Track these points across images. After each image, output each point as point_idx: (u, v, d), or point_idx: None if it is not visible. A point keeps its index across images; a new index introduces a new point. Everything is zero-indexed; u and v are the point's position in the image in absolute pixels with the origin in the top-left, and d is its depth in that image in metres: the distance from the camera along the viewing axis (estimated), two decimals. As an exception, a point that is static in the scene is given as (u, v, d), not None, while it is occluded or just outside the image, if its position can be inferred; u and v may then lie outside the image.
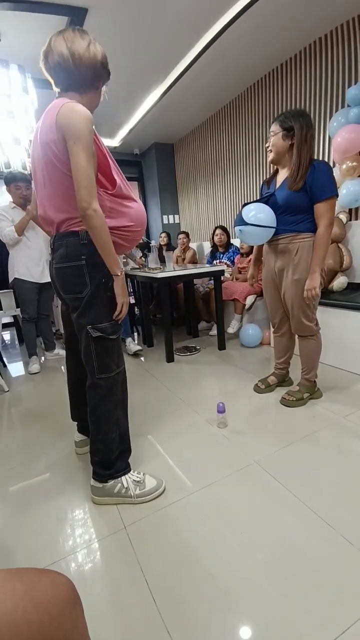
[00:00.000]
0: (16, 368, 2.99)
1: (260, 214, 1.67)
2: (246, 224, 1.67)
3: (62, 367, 2.80)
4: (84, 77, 1.11)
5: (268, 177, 1.83)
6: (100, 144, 1.11)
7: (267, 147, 1.67)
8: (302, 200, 1.59)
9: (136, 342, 3.11)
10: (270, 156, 1.67)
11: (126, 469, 1.27)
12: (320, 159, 2.94)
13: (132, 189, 1.24)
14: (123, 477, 1.24)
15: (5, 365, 3.02)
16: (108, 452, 1.23)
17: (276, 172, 1.76)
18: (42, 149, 1.08)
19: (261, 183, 1.88)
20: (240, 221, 1.69)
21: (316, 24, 2.57)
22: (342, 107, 2.63)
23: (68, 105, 1.02)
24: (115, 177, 1.15)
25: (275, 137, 1.62)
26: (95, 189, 1.05)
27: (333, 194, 1.55)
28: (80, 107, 1.03)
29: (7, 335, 4.17)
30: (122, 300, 1.18)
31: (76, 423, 1.54)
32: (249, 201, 1.78)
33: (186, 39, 2.65)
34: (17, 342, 3.83)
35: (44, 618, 0.40)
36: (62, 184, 1.08)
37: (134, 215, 1.20)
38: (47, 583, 0.44)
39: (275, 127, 1.62)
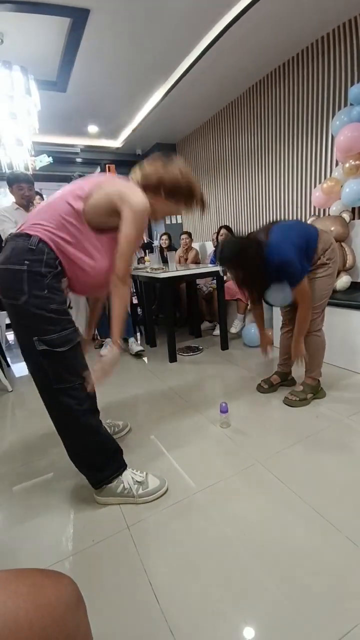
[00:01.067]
0: (19, 368, 2.99)
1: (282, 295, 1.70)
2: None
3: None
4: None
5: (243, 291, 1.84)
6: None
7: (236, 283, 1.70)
8: (285, 285, 1.60)
9: (139, 342, 3.11)
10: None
11: (121, 468, 1.25)
12: (311, 175, 2.96)
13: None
14: (125, 477, 1.24)
15: (8, 365, 3.03)
16: (92, 457, 1.20)
17: None
18: (79, 183, 1.13)
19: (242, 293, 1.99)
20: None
21: (319, 23, 2.56)
22: (345, 105, 2.62)
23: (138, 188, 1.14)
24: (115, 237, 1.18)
25: (240, 276, 1.63)
26: (127, 263, 1.12)
27: (302, 278, 1.58)
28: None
29: (10, 336, 4.18)
30: (102, 373, 1.14)
31: None
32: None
33: (188, 39, 2.65)
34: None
35: (47, 620, 0.40)
36: (62, 200, 1.11)
37: (101, 267, 1.16)
38: (50, 584, 0.44)
39: (233, 273, 1.64)
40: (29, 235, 1.07)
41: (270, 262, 1.56)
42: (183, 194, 1.23)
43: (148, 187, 1.18)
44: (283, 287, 1.65)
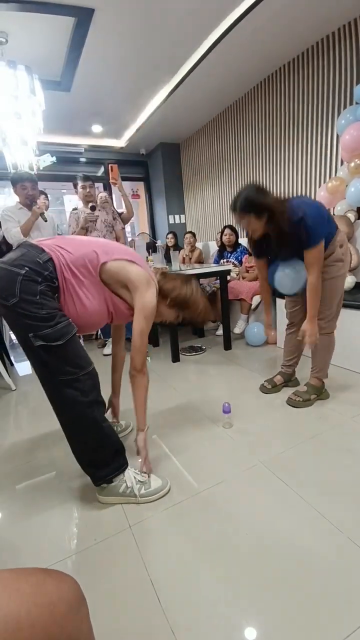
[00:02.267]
0: (23, 367, 3.01)
1: (294, 277, 1.68)
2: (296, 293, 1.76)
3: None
4: None
5: (251, 242, 1.81)
6: None
7: (247, 235, 1.70)
8: (298, 265, 1.62)
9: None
10: (255, 236, 1.66)
11: (123, 466, 1.26)
12: (309, 189, 2.92)
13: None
14: (127, 477, 1.24)
15: (12, 364, 3.04)
16: (94, 453, 1.20)
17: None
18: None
19: (250, 244, 1.88)
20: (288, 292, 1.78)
21: (324, 22, 2.54)
22: (350, 104, 2.60)
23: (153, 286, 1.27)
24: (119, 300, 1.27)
25: (251, 224, 1.59)
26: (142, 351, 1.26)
27: (321, 239, 1.54)
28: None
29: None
30: (145, 454, 1.30)
31: None
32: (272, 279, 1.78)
33: (193, 38, 2.64)
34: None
35: (48, 620, 0.40)
36: (85, 249, 1.20)
37: (90, 309, 1.22)
38: (52, 584, 0.44)
39: (245, 218, 1.59)
40: (43, 251, 1.12)
41: (290, 217, 1.51)
42: (182, 307, 1.38)
43: (160, 290, 1.33)
44: (296, 267, 1.62)
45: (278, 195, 1.61)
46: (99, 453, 1.20)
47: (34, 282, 1.08)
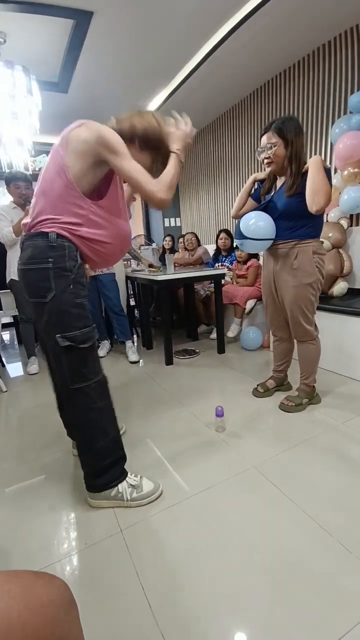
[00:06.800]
0: (15, 368, 2.98)
1: (260, 222, 1.67)
2: (245, 237, 1.68)
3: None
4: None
5: (262, 178, 1.81)
6: None
7: (266, 158, 1.64)
8: (301, 205, 1.58)
9: (135, 345, 3.09)
10: (272, 167, 1.67)
11: (122, 476, 1.24)
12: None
13: (127, 212, 1.24)
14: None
15: (4, 365, 3.01)
16: (97, 461, 1.19)
17: (274, 177, 1.78)
18: (53, 151, 1.11)
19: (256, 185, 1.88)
20: (240, 235, 1.71)
21: (319, 32, 2.59)
22: (344, 113, 2.65)
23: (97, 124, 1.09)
24: (111, 190, 1.16)
25: (277, 148, 1.60)
26: (151, 180, 1.09)
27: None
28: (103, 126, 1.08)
29: (6, 336, 4.16)
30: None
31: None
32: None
33: (191, 43, 2.67)
34: (16, 342, 3.82)
35: (39, 622, 0.40)
36: (52, 181, 1.08)
37: (113, 233, 1.17)
38: (42, 586, 0.43)
39: (275, 138, 1.60)
40: (46, 234, 1.09)
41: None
42: (157, 143, 1.20)
43: (121, 135, 1.12)
44: (267, 222, 1.64)
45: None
46: (100, 462, 1.20)
47: (65, 270, 1.09)
